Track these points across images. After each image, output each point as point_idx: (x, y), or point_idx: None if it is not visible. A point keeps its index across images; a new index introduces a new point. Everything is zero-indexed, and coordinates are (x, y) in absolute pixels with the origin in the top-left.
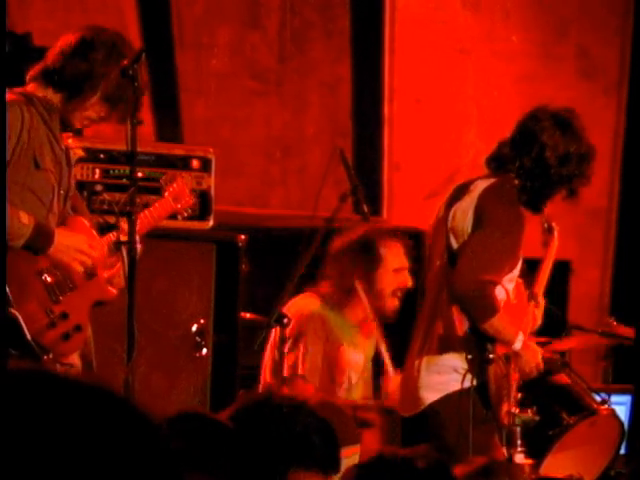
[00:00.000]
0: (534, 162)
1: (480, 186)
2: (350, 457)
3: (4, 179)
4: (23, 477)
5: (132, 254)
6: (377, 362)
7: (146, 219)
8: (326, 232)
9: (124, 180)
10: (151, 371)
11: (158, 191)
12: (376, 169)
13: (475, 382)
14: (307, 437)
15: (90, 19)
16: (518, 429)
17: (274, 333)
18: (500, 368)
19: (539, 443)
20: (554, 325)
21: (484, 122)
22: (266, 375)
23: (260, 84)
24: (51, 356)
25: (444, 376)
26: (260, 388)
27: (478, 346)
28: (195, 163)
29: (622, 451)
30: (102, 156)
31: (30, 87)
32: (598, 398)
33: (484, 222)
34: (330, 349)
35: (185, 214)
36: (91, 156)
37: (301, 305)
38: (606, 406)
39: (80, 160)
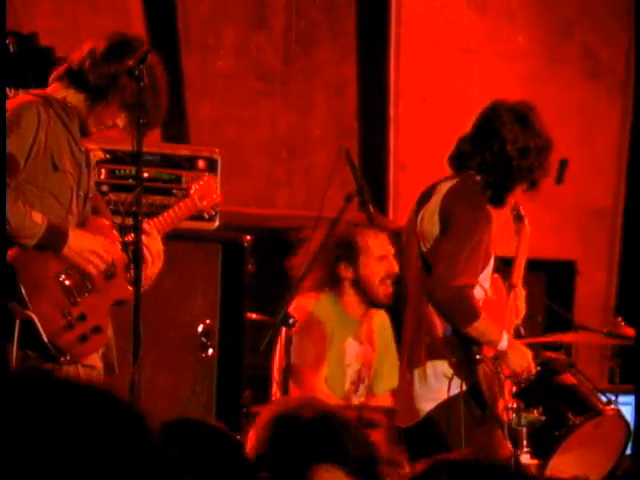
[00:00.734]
0: (495, 156)
1: (444, 188)
2: None
3: (4, 178)
4: (19, 477)
5: (138, 254)
6: None
7: (170, 218)
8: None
9: (130, 180)
10: (157, 371)
11: (164, 191)
12: (382, 169)
13: (466, 384)
14: (339, 436)
15: (96, 19)
16: (524, 429)
17: (282, 333)
18: (489, 366)
19: (545, 443)
20: (559, 325)
21: None
22: (276, 375)
23: (266, 85)
24: (68, 358)
25: (436, 384)
26: (273, 389)
27: (463, 348)
28: (201, 163)
29: (628, 451)
30: (108, 156)
31: (51, 88)
32: (604, 398)
33: (451, 225)
34: (337, 345)
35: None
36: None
37: (298, 306)
38: (612, 406)
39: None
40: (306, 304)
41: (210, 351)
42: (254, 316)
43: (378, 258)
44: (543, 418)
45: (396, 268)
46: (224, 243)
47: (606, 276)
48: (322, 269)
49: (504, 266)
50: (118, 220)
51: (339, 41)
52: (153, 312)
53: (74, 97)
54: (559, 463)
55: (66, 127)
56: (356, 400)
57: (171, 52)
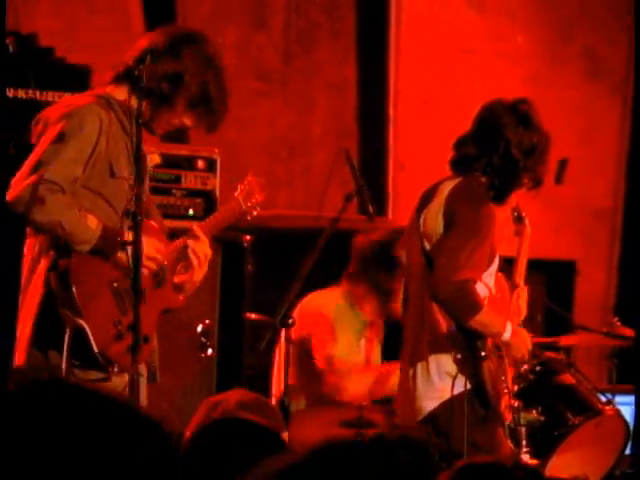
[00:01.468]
0: (502, 159)
1: (447, 188)
2: None
3: None
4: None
5: (137, 255)
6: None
7: (216, 221)
8: (332, 233)
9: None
10: None
11: (163, 191)
12: (381, 170)
13: (471, 383)
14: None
15: (96, 20)
16: (523, 429)
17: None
18: (493, 363)
19: (544, 443)
20: (559, 325)
21: None
22: (276, 376)
23: (265, 85)
24: (116, 369)
25: (440, 383)
26: (273, 390)
27: (468, 345)
28: (200, 163)
29: (627, 451)
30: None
31: (111, 88)
32: (603, 398)
33: (455, 223)
34: (355, 340)
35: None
36: None
37: (325, 299)
38: (611, 406)
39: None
40: (333, 298)
41: (209, 351)
42: (253, 316)
43: None
44: (542, 418)
45: None
46: (224, 243)
47: (606, 276)
48: (358, 276)
49: (506, 265)
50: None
51: (339, 41)
52: None
53: (135, 100)
54: (558, 463)
55: (126, 131)
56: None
57: None
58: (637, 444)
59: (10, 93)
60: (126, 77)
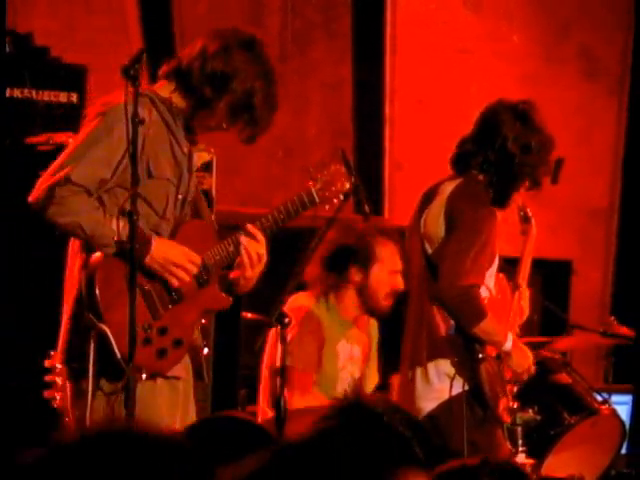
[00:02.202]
0: (497, 154)
1: (447, 189)
2: None
3: None
4: None
5: (133, 254)
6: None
7: (279, 214)
8: (328, 232)
9: None
10: None
11: None
12: (377, 169)
13: (469, 384)
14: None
15: (93, 20)
16: (519, 429)
17: (273, 332)
18: (491, 365)
19: (540, 443)
20: (555, 324)
21: None
22: (266, 374)
23: None
24: (144, 376)
25: (438, 384)
26: (261, 387)
27: (465, 347)
28: None
29: (623, 451)
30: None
31: (157, 85)
32: (599, 398)
33: (456, 225)
34: (329, 346)
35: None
36: None
37: (297, 303)
38: (607, 406)
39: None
40: (305, 302)
41: (205, 350)
42: (249, 315)
43: (390, 271)
44: (538, 417)
45: (402, 285)
46: None
47: (602, 276)
48: (330, 267)
49: (507, 266)
50: None
51: (335, 41)
52: None
53: (180, 99)
54: (554, 462)
55: (169, 129)
56: None
57: (167, 53)
58: (633, 443)
59: (7, 92)
60: (175, 77)
